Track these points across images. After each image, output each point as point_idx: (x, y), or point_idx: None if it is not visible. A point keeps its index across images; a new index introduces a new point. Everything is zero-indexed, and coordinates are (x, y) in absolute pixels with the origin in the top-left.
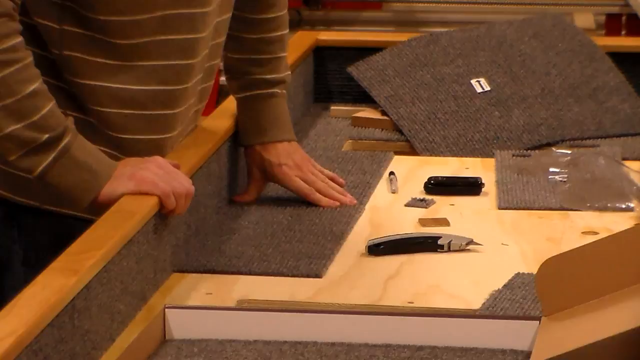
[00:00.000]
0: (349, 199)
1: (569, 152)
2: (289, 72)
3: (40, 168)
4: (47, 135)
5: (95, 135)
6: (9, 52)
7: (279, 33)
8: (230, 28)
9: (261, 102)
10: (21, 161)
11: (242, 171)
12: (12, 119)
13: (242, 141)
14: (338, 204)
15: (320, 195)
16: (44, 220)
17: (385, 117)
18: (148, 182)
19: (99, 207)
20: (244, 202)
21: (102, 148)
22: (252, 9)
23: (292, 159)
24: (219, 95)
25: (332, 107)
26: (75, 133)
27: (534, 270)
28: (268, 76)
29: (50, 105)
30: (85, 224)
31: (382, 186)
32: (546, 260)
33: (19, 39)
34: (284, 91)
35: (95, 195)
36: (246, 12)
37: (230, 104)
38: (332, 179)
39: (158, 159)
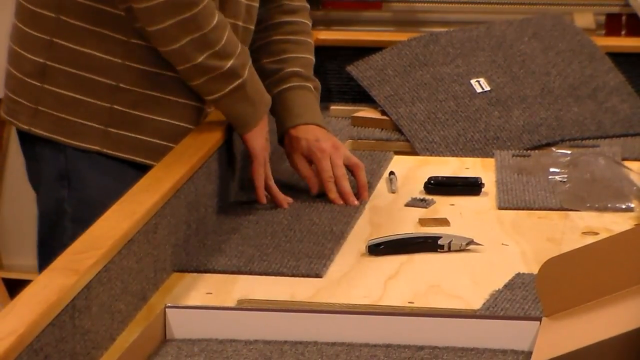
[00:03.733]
0: (362, 197)
1: (569, 152)
2: (319, 83)
3: (217, 95)
4: (229, 63)
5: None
6: None
7: (303, 38)
8: (257, 39)
9: (294, 92)
10: (203, 86)
11: (242, 171)
12: (200, 50)
13: (278, 134)
14: (341, 202)
15: (334, 187)
16: (98, 170)
17: (385, 117)
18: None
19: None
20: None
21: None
22: (278, 13)
23: (330, 140)
24: None
25: (332, 107)
26: (252, 69)
27: (534, 271)
28: (298, 69)
29: (227, 33)
30: (139, 172)
31: (382, 186)
32: (547, 260)
33: None
34: (317, 93)
35: (253, 128)
36: (272, 18)
37: None
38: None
39: None
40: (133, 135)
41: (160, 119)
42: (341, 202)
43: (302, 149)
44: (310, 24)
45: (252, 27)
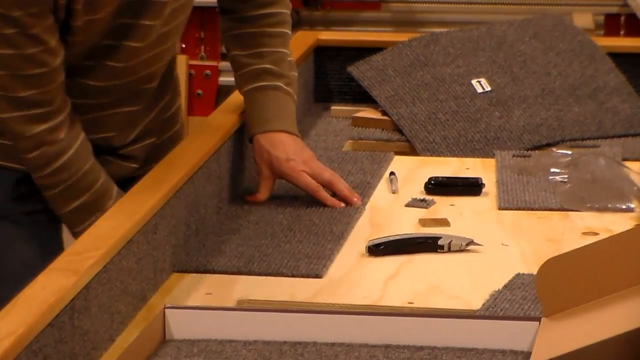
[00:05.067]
0: (356, 199)
1: (570, 152)
2: (295, 73)
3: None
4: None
5: None
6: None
7: (279, 29)
8: (233, 28)
9: (264, 94)
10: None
11: (242, 171)
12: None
13: (247, 135)
14: (343, 205)
15: (327, 195)
16: None
17: (385, 117)
18: None
19: None
20: (256, 202)
21: None
22: (252, 7)
23: (300, 156)
24: (218, 95)
25: (333, 107)
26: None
27: (534, 271)
28: (269, 66)
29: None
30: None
31: (382, 186)
32: (546, 260)
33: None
34: (290, 90)
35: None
36: (246, 11)
37: (229, 104)
38: (336, 180)
39: None
40: (2, 141)
41: None
42: (342, 205)
43: (274, 168)
44: (288, 11)
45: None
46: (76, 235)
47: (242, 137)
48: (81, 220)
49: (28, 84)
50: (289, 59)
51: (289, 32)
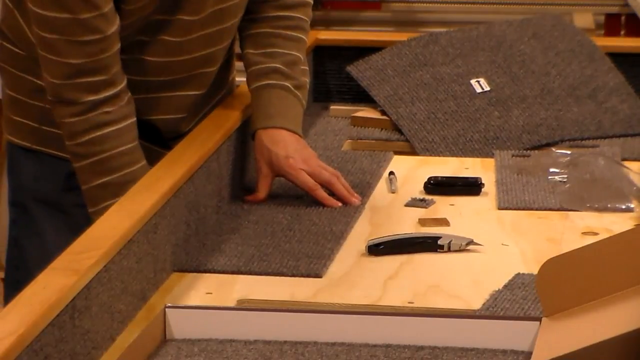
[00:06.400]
0: (355, 198)
1: (569, 152)
2: (307, 80)
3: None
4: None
5: None
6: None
7: (296, 34)
8: (250, 27)
9: (270, 92)
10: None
11: (242, 170)
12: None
13: (249, 131)
14: (340, 204)
15: (325, 194)
16: (31, 163)
17: (384, 117)
18: None
19: None
20: (256, 201)
21: None
22: (271, 8)
23: (301, 154)
24: None
25: (332, 107)
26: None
27: (534, 271)
28: (280, 66)
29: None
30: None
31: (381, 186)
32: (547, 260)
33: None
34: (299, 93)
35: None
36: (266, 12)
37: (228, 103)
38: (337, 178)
39: None
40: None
41: None
42: (340, 204)
43: (273, 166)
44: (308, 19)
45: (226, 25)
46: (92, 215)
47: (242, 136)
48: (102, 198)
49: (81, 51)
50: (302, 66)
51: (306, 39)
